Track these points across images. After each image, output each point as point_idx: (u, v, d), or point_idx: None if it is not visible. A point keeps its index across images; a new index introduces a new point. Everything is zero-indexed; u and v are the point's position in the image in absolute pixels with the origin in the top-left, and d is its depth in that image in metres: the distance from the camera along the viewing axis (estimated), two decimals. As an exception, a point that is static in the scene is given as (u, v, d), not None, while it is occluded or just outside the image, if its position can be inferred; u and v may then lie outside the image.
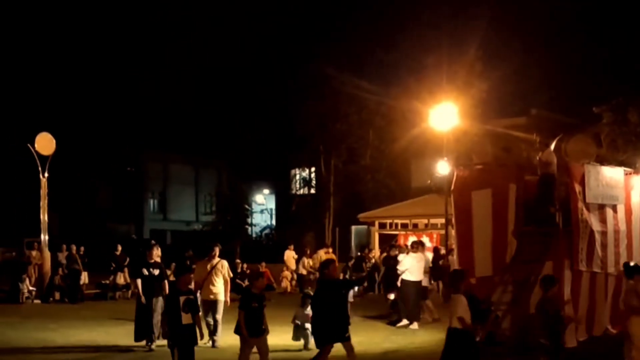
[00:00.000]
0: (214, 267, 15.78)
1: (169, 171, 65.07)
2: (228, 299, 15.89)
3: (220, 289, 15.75)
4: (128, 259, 30.02)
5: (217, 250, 16.15)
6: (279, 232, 50.77)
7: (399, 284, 20.00)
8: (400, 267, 20.03)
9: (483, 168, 15.97)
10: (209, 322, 15.68)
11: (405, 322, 19.58)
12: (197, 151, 62.29)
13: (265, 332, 11.81)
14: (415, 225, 33.55)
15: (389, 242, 32.24)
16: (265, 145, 44.41)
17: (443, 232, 29.02)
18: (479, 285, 13.97)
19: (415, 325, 19.39)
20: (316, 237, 43.40)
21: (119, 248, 30.63)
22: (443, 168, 28.69)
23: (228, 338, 14.74)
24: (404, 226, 33.62)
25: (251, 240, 52.41)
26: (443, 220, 28.19)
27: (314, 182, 46.59)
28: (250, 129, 45.22)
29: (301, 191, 47.62)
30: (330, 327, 11.56)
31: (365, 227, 40.97)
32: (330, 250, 31.62)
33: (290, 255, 32.66)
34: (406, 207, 33.82)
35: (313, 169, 46.26)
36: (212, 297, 15.71)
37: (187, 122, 61.91)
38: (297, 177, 48.00)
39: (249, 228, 54.32)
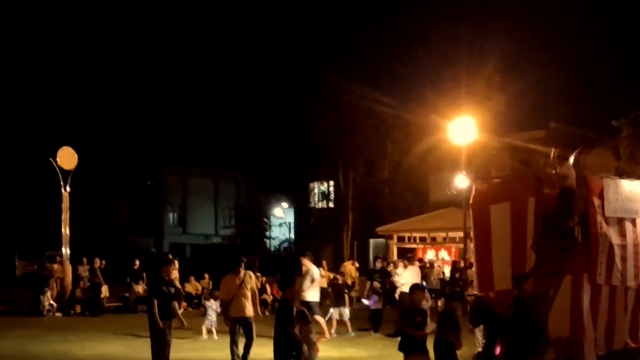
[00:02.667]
0: (242, 281, 14.80)
1: (188, 184, 65.30)
2: (259, 312, 15.36)
3: (250, 304, 14.88)
4: (145, 274, 30.29)
5: (243, 264, 15.18)
6: (297, 245, 50.74)
7: (397, 296, 20.26)
8: (400, 280, 20.28)
9: (501, 181, 15.88)
10: (235, 340, 14.86)
11: None
12: (215, 164, 62.49)
13: None
14: (433, 239, 33.47)
15: (406, 255, 32.22)
16: (284, 158, 44.50)
17: (461, 245, 28.95)
18: (498, 299, 13.88)
19: None
20: (334, 251, 43.40)
21: (137, 262, 30.82)
22: (461, 181, 28.65)
23: (263, 351, 14.67)
24: (422, 239, 33.55)
25: (270, 254, 52.45)
26: (461, 234, 28.12)
27: (332, 195, 46.61)
28: (269, 142, 45.35)
29: (320, 205, 47.63)
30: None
31: (383, 240, 40.91)
32: (355, 262, 31.69)
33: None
34: (424, 220, 33.76)
35: (332, 183, 46.28)
36: (245, 313, 14.73)
37: (206, 135, 62.19)
38: (316, 190, 48.02)
39: (268, 241, 54.42)
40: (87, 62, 59.42)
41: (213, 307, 20.21)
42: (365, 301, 20.89)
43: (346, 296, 21.53)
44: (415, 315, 10.93)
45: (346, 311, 20.76)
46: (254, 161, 49.46)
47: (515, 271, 14.09)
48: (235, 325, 14.77)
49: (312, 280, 18.64)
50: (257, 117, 47.22)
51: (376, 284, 21.72)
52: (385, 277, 25.43)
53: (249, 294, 14.82)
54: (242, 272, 15.00)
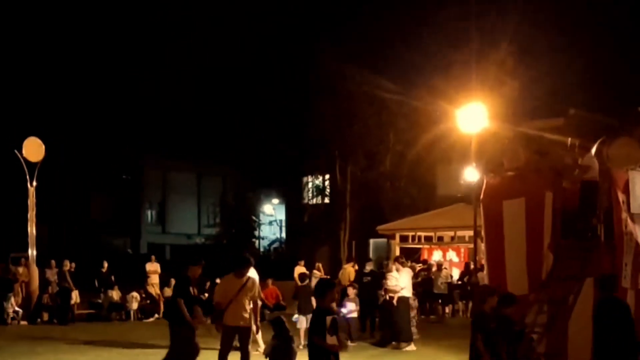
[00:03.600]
0: (244, 286, 13.96)
1: (168, 179, 65.24)
2: (258, 324, 14.57)
3: (249, 313, 14.09)
4: (113, 277, 30.39)
5: (250, 266, 14.33)
6: (289, 246, 50.74)
7: (394, 302, 20.33)
8: (399, 284, 20.39)
9: (515, 174, 15.85)
10: (225, 353, 14.07)
11: (404, 345, 20.16)
12: (199, 157, 62.43)
13: None
14: (440, 239, 33.43)
15: (411, 257, 32.17)
16: (274, 150, 44.42)
17: (471, 245, 28.87)
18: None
19: (412, 346, 20.17)
20: (330, 252, 43.36)
21: (105, 265, 30.89)
22: (471, 175, 28.60)
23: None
24: (428, 239, 33.52)
25: (259, 255, 52.39)
26: (471, 233, 28.04)
27: (328, 190, 46.57)
28: (258, 132, 45.25)
29: (314, 201, 47.59)
30: None
31: (384, 240, 40.86)
32: (355, 264, 31.69)
33: (300, 270, 32.60)
34: (430, 218, 33.71)
35: (327, 177, 46.24)
36: (242, 322, 13.91)
37: (188, 125, 62.08)
38: (310, 185, 47.98)
39: (257, 241, 54.40)
40: (58, 48, 59.18)
41: None
42: (343, 310, 20.82)
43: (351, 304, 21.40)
44: (511, 327, 11.18)
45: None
46: (242, 153, 49.26)
47: (532, 274, 14.07)
48: (230, 336, 13.92)
49: None
50: (246, 105, 47.12)
51: (351, 290, 21.66)
52: (378, 281, 25.58)
53: (248, 302, 14.00)
54: (247, 275, 14.12)
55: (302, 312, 20.37)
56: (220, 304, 13.88)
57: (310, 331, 10.32)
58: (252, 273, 15.70)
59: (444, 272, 29.27)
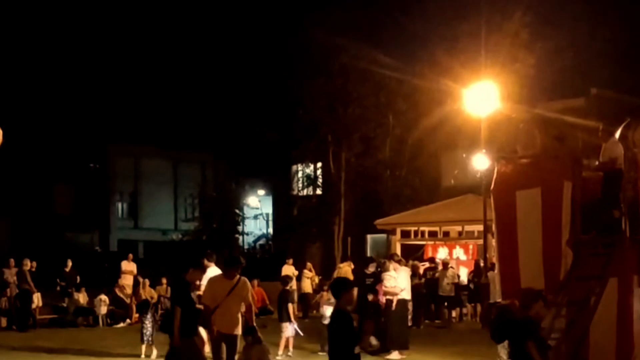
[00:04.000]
0: (234, 288, 13.75)
1: (141, 168, 65.15)
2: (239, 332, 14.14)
3: (240, 318, 13.96)
4: (79, 278, 30.37)
5: (240, 267, 14.06)
6: (276, 242, 50.74)
7: (394, 304, 20.39)
8: (399, 285, 20.41)
9: (530, 162, 15.83)
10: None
11: (395, 354, 20.15)
12: (175, 143, 62.31)
13: None
14: (446, 234, 33.43)
15: (413, 255, 32.16)
16: (259, 135, 44.35)
17: (481, 242, 28.94)
18: (527, 308, 13.87)
19: (401, 354, 20.18)
20: (323, 249, 43.36)
21: (69, 264, 30.85)
22: (480, 162, 28.66)
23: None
24: (433, 235, 33.51)
25: (242, 253, 52.39)
26: (481, 228, 28.13)
27: (320, 180, 46.52)
28: (242, 115, 45.19)
29: (304, 192, 47.56)
30: None
31: (383, 236, 40.85)
32: (351, 263, 31.77)
33: (289, 271, 32.61)
34: (435, 210, 33.71)
35: (319, 165, 46.19)
36: (233, 330, 13.76)
37: (163, 107, 61.95)
38: (300, 174, 47.94)
39: (240, 238, 54.36)
40: (16, 29, 58.92)
41: (148, 316, 20.15)
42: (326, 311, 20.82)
43: None
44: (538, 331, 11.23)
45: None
46: (223, 139, 49.29)
47: (548, 274, 14.07)
48: (219, 343, 13.74)
49: None
50: (227, 85, 47.08)
51: (325, 296, 21.67)
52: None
53: (238, 306, 13.83)
54: (237, 276, 13.87)
55: (281, 319, 20.38)
56: (208, 307, 13.66)
57: (335, 338, 10.22)
58: (214, 271, 15.91)
59: (450, 271, 29.26)
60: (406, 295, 20.87)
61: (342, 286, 10.50)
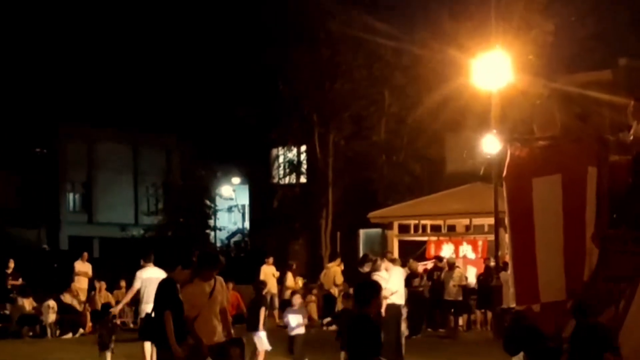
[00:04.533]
0: (213, 291, 13.76)
1: (95, 153, 64.99)
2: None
3: (221, 325, 13.98)
4: (23, 281, 30.33)
5: (219, 266, 14.09)
6: (254, 239, 50.76)
7: (383, 310, 20.36)
8: (389, 287, 20.32)
9: (549, 144, 15.82)
10: None
11: None
12: (136, 124, 62.15)
13: None
14: (451, 228, 33.49)
15: (413, 253, 32.20)
16: (233, 115, 44.30)
17: (492, 237, 28.98)
18: (545, 315, 13.86)
19: None
20: (308, 247, 43.40)
21: (11, 264, 30.82)
22: (491, 145, 28.65)
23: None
24: (436, 229, 33.58)
25: (215, 252, 52.40)
26: (491, 221, 28.16)
27: (304, 166, 46.53)
28: (213, 92, 45.09)
29: (286, 180, 47.59)
30: None
31: (378, 231, 40.90)
32: (342, 262, 31.84)
33: (268, 272, 32.64)
34: (438, 201, 33.78)
35: (303, 148, 46.19)
36: (216, 338, 13.74)
37: (121, 83, 61.72)
38: (281, 159, 47.95)
39: (212, 233, 54.34)
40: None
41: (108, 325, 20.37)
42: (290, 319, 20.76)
43: None
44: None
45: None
46: (191, 120, 49.18)
47: (571, 274, 14.06)
48: (203, 356, 13.73)
49: None
50: (195, 56, 46.94)
51: (297, 299, 21.62)
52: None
53: (217, 310, 13.85)
54: (214, 278, 13.86)
55: (252, 327, 20.32)
56: (188, 318, 13.54)
57: (356, 348, 10.26)
58: (154, 272, 15.96)
59: (456, 272, 29.30)
60: (398, 299, 20.81)
61: (372, 291, 10.67)
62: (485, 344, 22.05)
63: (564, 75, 33.15)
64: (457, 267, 29.80)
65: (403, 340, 21.53)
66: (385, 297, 20.43)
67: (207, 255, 14.52)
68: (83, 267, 31.63)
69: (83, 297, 30.56)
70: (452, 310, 29.42)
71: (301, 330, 20.74)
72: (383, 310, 20.39)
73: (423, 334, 28.02)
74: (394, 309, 20.62)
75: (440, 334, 28.61)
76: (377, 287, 10.82)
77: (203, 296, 13.65)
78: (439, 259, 30.66)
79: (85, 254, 32.82)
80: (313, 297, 32.14)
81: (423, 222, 33.65)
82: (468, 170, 35.30)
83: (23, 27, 60.22)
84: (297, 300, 21.63)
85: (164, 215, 52.36)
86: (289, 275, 32.93)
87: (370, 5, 38.35)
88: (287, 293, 31.64)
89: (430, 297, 28.78)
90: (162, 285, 13.72)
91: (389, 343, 20.39)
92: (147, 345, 18.96)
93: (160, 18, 58.23)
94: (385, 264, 21.02)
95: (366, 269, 23.65)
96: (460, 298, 28.99)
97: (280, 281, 32.59)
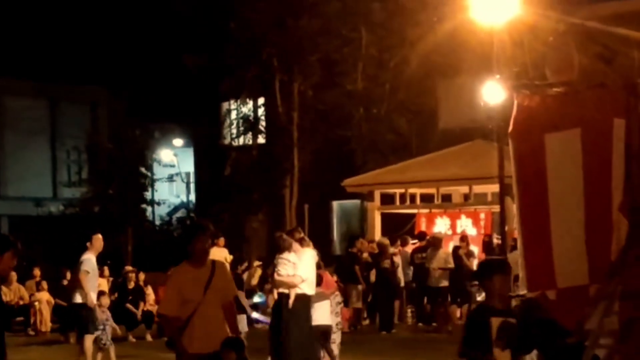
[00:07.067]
0: (211, 279, 12.98)
1: (4, 110, 64.82)
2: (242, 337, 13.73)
3: (225, 325, 13.23)
4: None
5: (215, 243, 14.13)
6: (202, 214, 50.75)
7: (291, 301, 20.46)
8: (298, 273, 20.12)
9: (566, 92, 15.86)
10: None
11: None
12: (52, 73, 62.04)
13: None
14: (446, 198, 33.62)
15: (400, 228, 32.29)
16: (173, 60, 44.23)
17: (497, 208, 29.08)
18: (564, 303, 13.91)
19: None
20: (270, 223, 43.45)
21: None
22: (493, 93, 28.70)
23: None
24: (427, 199, 33.69)
25: (152, 231, 52.43)
26: (496, 188, 28.23)
27: (263, 123, 46.54)
28: (148, 33, 44.96)
29: (240, 141, 47.61)
30: None
31: (357, 202, 41.04)
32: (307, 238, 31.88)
33: (219, 256, 32.66)
34: (430, 164, 33.87)
35: (261, 101, 46.21)
36: (216, 344, 12.77)
37: (36, 24, 61.55)
38: (233, 115, 47.94)
39: (149, 208, 54.34)
40: None
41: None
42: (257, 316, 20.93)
43: None
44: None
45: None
46: (122, 68, 49.06)
47: (593, 253, 14.14)
48: None
49: None
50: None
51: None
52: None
53: (220, 306, 13.11)
54: (211, 262, 13.22)
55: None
56: (177, 319, 12.89)
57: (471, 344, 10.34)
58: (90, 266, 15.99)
59: (440, 252, 29.29)
60: (309, 288, 20.60)
61: (495, 268, 11.27)
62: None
63: (584, 5, 33.22)
64: (459, 246, 29.80)
65: (336, 338, 21.56)
66: (294, 286, 20.27)
67: (193, 224, 14.13)
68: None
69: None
70: (439, 299, 29.42)
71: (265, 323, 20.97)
72: (291, 301, 20.36)
73: (412, 330, 28.18)
74: (304, 300, 20.30)
75: (432, 328, 28.77)
76: (502, 264, 11.50)
77: (197, 287, 12.85)
78: (421, 236, 30.70)
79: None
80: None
81: (411, 190, 33.74)
82: (465, 126, 35.42)
83: None
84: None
85: (89, 187, 52.23)
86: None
87: None
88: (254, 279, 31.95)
89: (415, 284, 28.93)
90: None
91: (297, 342, 20.28)
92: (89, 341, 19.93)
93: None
94: (294, 246, 20.78)
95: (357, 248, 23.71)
96: (446, 284, 29.01)
97: (234, 267, 32.65)
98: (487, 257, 14.65)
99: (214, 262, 13.16)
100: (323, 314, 21.15)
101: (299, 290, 20.19)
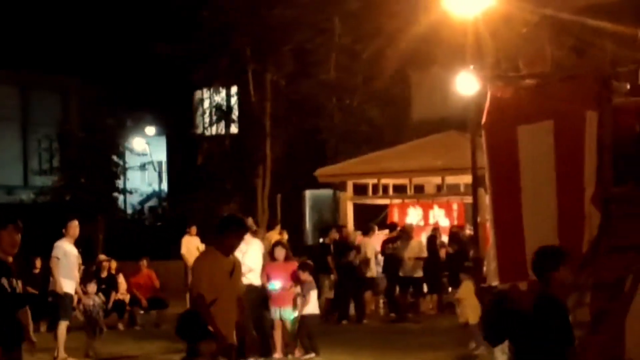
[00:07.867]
0: (234, 270, 13.24)
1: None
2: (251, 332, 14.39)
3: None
4: None
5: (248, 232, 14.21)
6: (174, 203, 50.75)
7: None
8: (247, 263, 19.94)
9: (538, 84, 15.94)
10: None
11: None
12: (23, 60, 61.81)
13: None
14: (419, 189, 33.63)
15: (373, 218, 32.32)
16: (145, 48, 44.13)
17: (469, 199, 29.14)
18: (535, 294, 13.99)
19: None
20: (241, 212, 43.35)
21: None
22: (467, 84, 28.76)
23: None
24: (400, 190, 33.71)
25: (124, 220, 52.30)
26: (469, 179, 28.29)
27: (235, 112, 46.48)
28: (119, 21, 44.85)
29: (213, 130, 47.56)
30: None
31: (329, 192, 41.03)
32: (283, 231, 31.95)
33: (191, 244, 32.68)
34: (403, 155, 33.88)
35: (234, 90, 46.15)
36: (232, 336, 13.08)
37: (7, 9, 61.32)
38: (206, 104, 47.88)
39: (121, 197, 54.20)
40: None
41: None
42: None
43: None
44: None
45: None
46: (94, 55, 48.91)
47: (565, 244, 14.19)
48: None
49: None
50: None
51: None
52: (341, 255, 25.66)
53: (235, 297, 13.27)
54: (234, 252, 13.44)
55: None
56: (204, 300, 12.69)
57: (542, 334, 10.33)
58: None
59: (413, 242, 29.36)
60: (255, 278, 20.62)
61: (559, 257, 10.86)
62: (459, 331, 22.10)
63: (557, -3, 33.30)
64: (412, 237, 29.79)
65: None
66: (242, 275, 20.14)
67: (232, 218, 13.95)
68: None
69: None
70: (411, 289, 29.46)
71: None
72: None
73: (381, 320, 28.24)
74: (254, 291, 20.23)
75: (409, 319, 28.78)
76: (562, 253, 11.03)
77: (223, 275, 12.95)
78: (391, 227, 30.70)
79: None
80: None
81: (384, 181, 33.75)
82: (439, 117, 35.46)
83: None
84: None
85: (60, 175, 52.05)
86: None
87: None
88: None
89: (386, 275, 28.97)
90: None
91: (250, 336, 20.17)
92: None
93: None
94: (249, 235, 20.70)
95: (333, 236, 23.62)
96: (420, 274, 29.07)
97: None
98: (542, 246, 14.39)
99: (234, 256, 13.29)
100: (314, 303, 21.24)
101: (247, 281, 19.49)
